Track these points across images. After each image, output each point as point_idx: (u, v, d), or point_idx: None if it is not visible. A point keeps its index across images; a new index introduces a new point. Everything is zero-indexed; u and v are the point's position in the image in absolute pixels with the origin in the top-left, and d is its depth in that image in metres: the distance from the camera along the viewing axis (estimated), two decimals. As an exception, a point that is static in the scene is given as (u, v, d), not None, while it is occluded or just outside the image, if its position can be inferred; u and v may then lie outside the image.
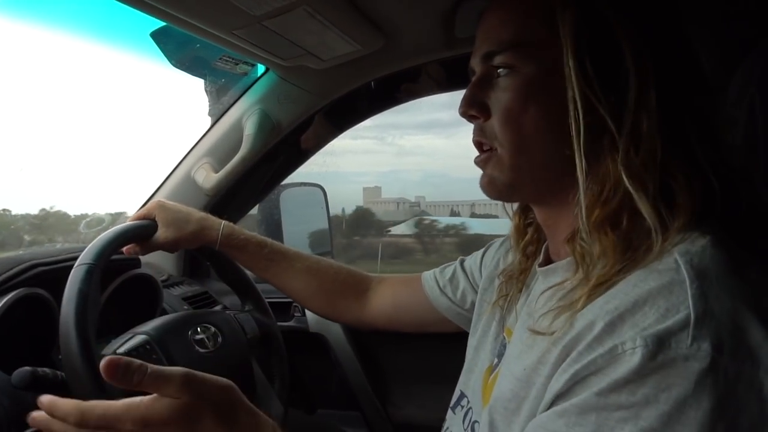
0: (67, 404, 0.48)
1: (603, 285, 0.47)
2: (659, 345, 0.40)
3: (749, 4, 0.71)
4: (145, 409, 0.47)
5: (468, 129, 0.60)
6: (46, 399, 0.50)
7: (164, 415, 0.46)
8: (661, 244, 0.46)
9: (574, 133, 0.49)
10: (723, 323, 0.41)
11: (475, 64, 0.59)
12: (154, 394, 0.47)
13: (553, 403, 0.46)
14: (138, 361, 0.47)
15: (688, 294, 0.42)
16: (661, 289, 0.43)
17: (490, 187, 0.58)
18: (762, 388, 0.40)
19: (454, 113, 0.60)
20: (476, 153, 0.59)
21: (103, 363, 0.46)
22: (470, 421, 0.65)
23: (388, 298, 0.95)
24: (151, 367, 0.47)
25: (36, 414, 0.51)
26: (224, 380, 0.51)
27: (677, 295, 0.42)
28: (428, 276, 0.91)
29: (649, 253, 0.47)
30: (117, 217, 1.38)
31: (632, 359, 0.41)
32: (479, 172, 0.59)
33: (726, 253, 0.46)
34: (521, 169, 0.55)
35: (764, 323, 0.41)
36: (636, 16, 0.50)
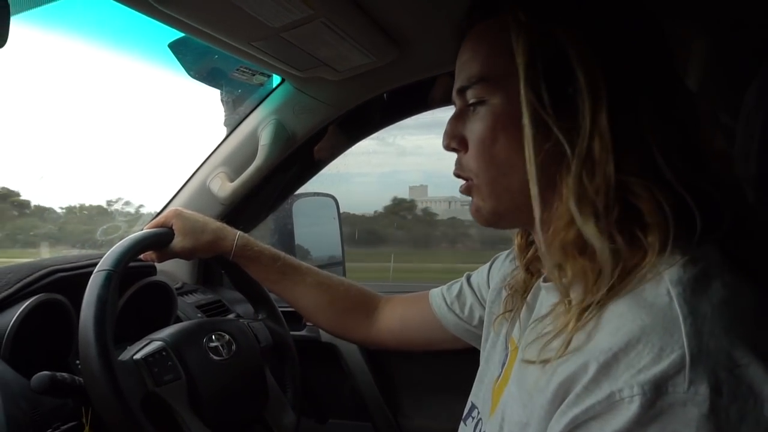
0: None
1: (589, 308, 0.47)
2: (656, 391, 0.39)
3: (758, 14, 0.71)
4: None
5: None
6: None
7: None
8: (644, 267, 0.45)
9: (527, 159, 0.49)
10: (720, 361, 0.40)
11: (455, 98, 0.60)
12: None
13: None
14: None
15: (682, 331, 0.41)
16: (654, 325, 0.42)
17: (477, 215, 0.59)
18: None
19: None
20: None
21: None
22: (480, 431, 0.65)
23: (396, 316, 0.94)
24: None
25: None
26: None
27: (671, 332, 0.41)
28: (435, 294, 0.91)
29: (632, 275, 0.46)
30: (133, 222, 1.40)
31: (630, 407, 0.40)
32: None
33: (719, 281, 0.44)
34: (501, 197, 0.56)
35: (764, 357, 0.40)
36: (592, 36, 0.49)
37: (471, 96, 0.56)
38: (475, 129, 0.56)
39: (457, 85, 0.58)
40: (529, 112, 0.49)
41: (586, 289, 0.48)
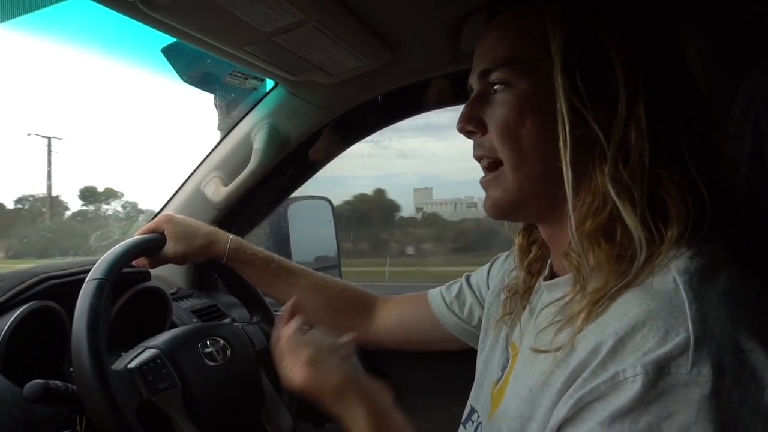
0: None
1: (602, 300, 0.47)
2: (659, 372, 0.40)
3: (753, 18, 0.72)
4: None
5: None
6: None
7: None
8: (656, 258, 0.46)
9: (561, 145, 0.50)
10: (724, 346, 0.40)
11: (473, 81, 0.60)
12: None
13: (559, 429, 0.46)
14: None
15: (687, 316, 0.42)
16: (660, 310, 0.43)
17: (494, 208, 0.59)
18: None
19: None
20: (472, 154, 0.61)
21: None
22: None
23: (393, 316, 0.94)
24: None
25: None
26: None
27: (676, 316, 0.42)
28: (434, 293, 0.90)
29: (645, 266, 0.47)
30: (129, 228, 1.39)
31: (633, 387, 0.41)
32: (475, 173, 0.61)
33: (725, 273, 0.45)
34: (523, 185, 0.56)
35: (766, 345, 0.41)
36: (626, 29, 0.50)
37: (495, 78, 0.56)
38: (499, 112, 0.56)
39: (479, 67, 0.58)
40: (564, 99, 0.50)
41: (605, 278, 0.48)
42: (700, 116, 0.52)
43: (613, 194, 0.48)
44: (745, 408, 0.39)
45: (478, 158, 0.60)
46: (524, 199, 0.57)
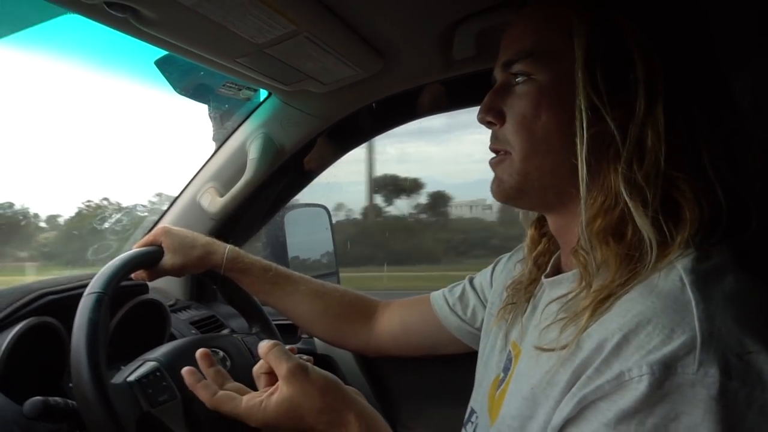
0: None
1: (607, 298, 0.47)
2: (665, 371, 0.40)
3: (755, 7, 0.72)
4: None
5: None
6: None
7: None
8: (663, 257, 0.46)
9: (578, 141, 0.50)
10: (730, 346, 0.40)
11: (497, 73, 0.60)
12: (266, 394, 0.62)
13: (562, 428, 0.46)
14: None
15: (694, 315, 0.41)
16: (665, 308, 0.43)
17: (499, 189, 0.59)
18: None
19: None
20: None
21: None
22: None
23: (396, 320, 0.93)
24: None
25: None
26: (329, 380, 0.60)
27: (683, 315, 0.42)
28: (437, 296, 0.90)
29: (652, 266, 0.46)
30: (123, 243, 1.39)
31: (639, 387, 0.40)
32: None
33: (732, 275, 0.45)
34: (530, 174, 0.56)
35: None
36: (654, 28, 0.50)
37: (517, 70, 0.56)
38: (517, 104, 0.56)
39: (503, 58, 0.58)
40: (584, 94, 0.50)
41: (610, 277, 0.48)
42: (726, 120, 0.51)
43: (625, 194, 0.48)
44: (751, 410, 0.39)
45: (493, 151, 0.60)
46: (529, 188, 0.57)
